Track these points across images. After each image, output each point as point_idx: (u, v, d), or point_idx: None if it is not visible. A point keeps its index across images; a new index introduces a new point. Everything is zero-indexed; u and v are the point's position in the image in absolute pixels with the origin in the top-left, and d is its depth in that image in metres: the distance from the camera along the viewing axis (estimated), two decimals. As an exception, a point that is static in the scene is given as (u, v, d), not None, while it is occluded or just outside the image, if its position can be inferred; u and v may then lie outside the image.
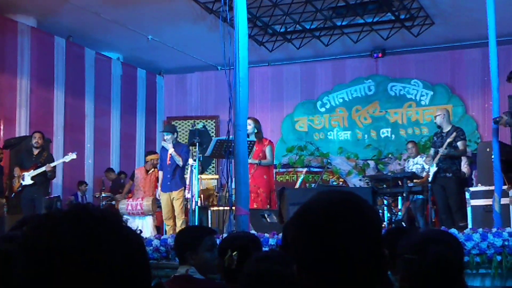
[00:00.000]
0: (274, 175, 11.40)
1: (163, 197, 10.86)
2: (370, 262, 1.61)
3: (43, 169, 11.52)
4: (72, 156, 12.09)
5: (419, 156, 12.69)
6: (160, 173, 11.12)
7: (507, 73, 10.54)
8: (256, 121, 10.66)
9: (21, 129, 13.97)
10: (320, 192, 1.74)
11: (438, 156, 10.60)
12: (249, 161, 10.37)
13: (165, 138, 10.81)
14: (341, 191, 1.78)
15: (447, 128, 10.87)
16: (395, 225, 10.26)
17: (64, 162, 12.49)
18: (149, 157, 13.54)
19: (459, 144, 10.63)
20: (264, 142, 10.69)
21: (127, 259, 1.28)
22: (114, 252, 1.26)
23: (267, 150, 10.60)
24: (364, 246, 1.61)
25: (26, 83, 14.27)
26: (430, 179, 10.71)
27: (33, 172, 11.55)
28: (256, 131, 10.57)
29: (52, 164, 11.76)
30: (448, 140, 10.52)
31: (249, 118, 10.75)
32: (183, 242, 4.33)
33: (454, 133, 10.60)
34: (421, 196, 11.91)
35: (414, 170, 12.31)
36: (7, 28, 14.01)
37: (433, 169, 10.62)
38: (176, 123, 17.71)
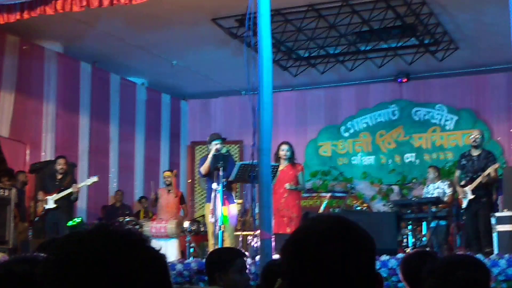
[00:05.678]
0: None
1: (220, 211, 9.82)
2: (364, 285, 1.62)
3: (68, 191, 11.58)
4: (93, 179, 12.18)
5: (440, 181, 12.56)
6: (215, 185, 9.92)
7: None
8: (291, 146, 10.71)
9: (47, 153, 14.11)
10: (312, 218, 1.76)
11: (475, 184, 10.45)
12: (288, 187, 10.38)
13: (217, 146, 10.20)
14: (333, 215, 1.80)
15: (478, 151, 10.77)
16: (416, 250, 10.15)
17: (87, 186, 12.59)
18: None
19: (492, 171, 10.50)
20: (298, 167, 10.71)
21: (150, 277, 1.29)
22: (138, 270, 1.27)
23: (300, 175, 10.62)
24: (356, 269, 1.62)
25: (52, 108, 14.42)
26: (464, 205, 10.59)
27: (56, 196, 11.62)
28: (291, 156, 10.60)
29: (79, 185, 11.84)
30: (494, 166, 10.37)
31: (285, 143, 10.76)
32: (213, 262, 4.39)
33: (497, 164, 10.53)
34: (443, 222, 11.78)
35: (435, 194, 12.20)
36: (34, 53, 14.19)
37: (469, 197, 10.50)
38: (200, 147, 17.76)
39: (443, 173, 13.66)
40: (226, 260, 4.30)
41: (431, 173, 12.82)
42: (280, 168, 10.56)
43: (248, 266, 4.58)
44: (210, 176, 10.10)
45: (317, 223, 1.70)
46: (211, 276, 4.33)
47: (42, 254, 2.09)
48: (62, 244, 1.31)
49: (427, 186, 12.90)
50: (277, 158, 10.58)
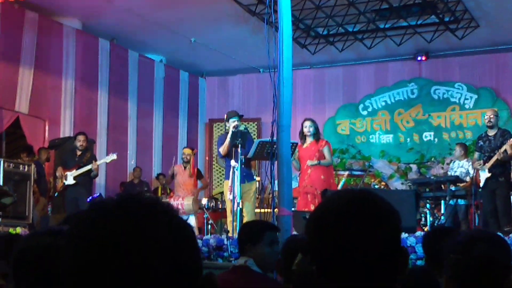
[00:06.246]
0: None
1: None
2: (387, 260, 1.61)
3: (87, 167, 11.63)
4: (112, 156, 12.21)
5: (465, 160, 12.49)
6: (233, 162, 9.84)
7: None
8: (314, 122, 10.66)
9: (66, 129, 14.18)
10: (333, 194, 1.74)
11: (491, 162, 10.38)
12: (309, 163, 10.36)
13: (235, 124, 10.12)
14: (356, 190, 1.78)
15: (493, 131, 10.71)
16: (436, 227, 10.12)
17: (106, 163, 12.65)
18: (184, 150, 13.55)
19: (508, 147, 10.42)
20: (321, 143, 10.64)
21: (177, 247, 1.28)
22: (165, 240, 1.26)
23: (325, 150, 10.54)
24: (378, 244, 1.61)
25: (71, 84, 14.48)
26: (481, 184, 10.54)
27: (75, 172, 11.67)
28: (315, 131, 10.57)
29: (98, 163, 11.89)
30: (510, 142, 10.26)
31: (307, 119, 10.74)
32: (244, 234, 4.51)
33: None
34: (463, 202, 11.75)
35: (458, 173, 12.15)
36: (53, 30, 14.23)
37: (486, 174, 10.44)
38: (218, 125, 17.79)
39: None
40: (256, 232, 4.39)
41: (457, 151, 12.76)
42: (305, 145, 10.54)
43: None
44: (228, 153, 10.11)
45: (337, 200, 1.69)
46: (242, 247, 4.43)
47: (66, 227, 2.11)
48: (85, 217, 1.30)
49: (453, 162, 12.87)
50: (303, 136, 10.56)
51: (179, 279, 1.26)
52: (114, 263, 1.21)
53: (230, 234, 9.18)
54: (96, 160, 11.96)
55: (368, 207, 1.64)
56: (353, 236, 1.59)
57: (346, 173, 15.60)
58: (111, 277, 1.21)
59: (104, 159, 12.44)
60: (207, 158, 18.33)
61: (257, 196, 12.68)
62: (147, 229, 1.25)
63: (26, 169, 11.67)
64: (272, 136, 6.88)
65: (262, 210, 11.04)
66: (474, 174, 11.02)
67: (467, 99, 16.25)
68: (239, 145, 9.71)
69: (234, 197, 9.67)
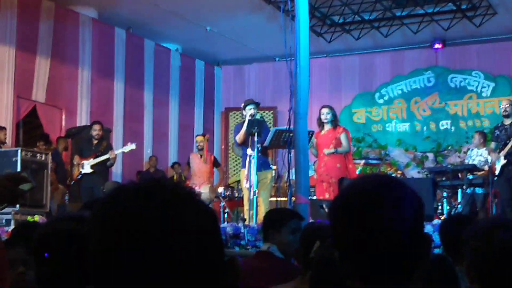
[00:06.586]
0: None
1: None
2: (411, 245, 1.60)
3: (105, 157, 11.69)
4: (131, 146, 12.23)
5: (484, 148, 12.42)
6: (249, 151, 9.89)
7: None
8: (332, 109, 10.62)
9: (82, 118, 14.23)
10: (360, 177, 1.73)
11: (507, 149, 10.34)
12: (326, 152, 10.32)
13: (251, 112, 10.10)
14: (380, 175, 1.77)
15: (510, 120, 10.65)
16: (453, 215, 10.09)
17: (123, 152, 12.68)
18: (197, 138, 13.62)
19: None
20: (338, 129, 10.57)
21: (200, 232, 1.27)
22: (188, 224, 1.26)
23: (342, 137, 10.46)
24: (404, 228, 1.59)
25: (87, 73, 14.51)
26: (497, 172, 10.50)
27: (92, 161, 11.72)
28: (333, 118, 10.52)
29: (116, 152, 11.94)
30: None
31: (325, 106, 10.71)
32: (269, 220, 4.59)
33: None
34: (481, 191, 11.69)
35: (476, 161, 12.08)
36: (69, 19, 14.25)
37: (501, 162, 10.40)
38: (234, 114, 17.78)
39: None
40: (280, 220, 4.46)
41: (476, 139, 12.68)
42: (323, 132, 10.50)
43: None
44: (245, 142, 10.11)
45: (362, 184, 1.68)
46: (266, 233, 4.52)
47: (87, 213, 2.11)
48: (109, 201, 1.29)
49: (471, 150, 12.81)
50: (320, 123, 10.52)
51: (203, 262, 1.26)
52: (140, 247, 1.21)
53: (247, 223, 9.19)
54: (112, 149, 12.01)
55: (394, 191, 1.63)
56: (380, 220, 1.58)
57: (362, 161, 15.58)
58: (137, 261, 1.21)
59: (122, 148, 12.48)
60: (223, 147, 18.34)
61: (273, 184, 12.68)
62: (174, 212, 1.25)
63: (43, 158, 11.71)
64: (289, 124, 6.88)
65: (278, 199, 11.02)
66: (492, 163, 10.97)
67: (484, 87, 16.15)
68: (256, 134, 9.71)
69: (250, 186, 9.67)
